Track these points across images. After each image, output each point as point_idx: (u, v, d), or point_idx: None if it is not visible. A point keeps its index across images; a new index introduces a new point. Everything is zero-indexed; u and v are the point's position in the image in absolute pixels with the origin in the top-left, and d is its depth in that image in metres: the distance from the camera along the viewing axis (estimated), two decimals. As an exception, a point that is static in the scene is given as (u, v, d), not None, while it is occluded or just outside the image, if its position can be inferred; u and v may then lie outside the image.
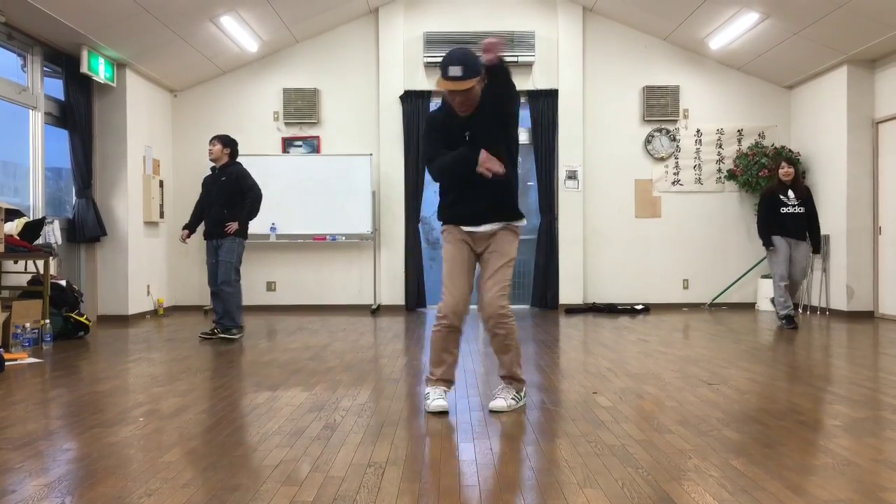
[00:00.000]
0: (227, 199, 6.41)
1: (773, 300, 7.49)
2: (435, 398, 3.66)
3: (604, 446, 3.02)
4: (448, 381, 3.77)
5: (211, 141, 6.54)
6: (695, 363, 5.13)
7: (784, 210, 7.25)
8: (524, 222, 3.83)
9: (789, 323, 7.19)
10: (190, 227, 6.66)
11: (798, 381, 4.45)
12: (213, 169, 6.61)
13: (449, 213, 3.77)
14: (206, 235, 6.54)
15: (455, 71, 3.45)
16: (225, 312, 6.42)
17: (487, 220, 3.70)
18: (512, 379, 3.79)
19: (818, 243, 7.35)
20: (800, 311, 8.99)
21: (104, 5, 6.60)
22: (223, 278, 6.38)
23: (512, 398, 3.74)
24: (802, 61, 8.55)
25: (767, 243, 7.33)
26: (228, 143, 6.52)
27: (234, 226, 6.36)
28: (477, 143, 3.59)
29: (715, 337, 6.62)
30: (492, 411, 3.67)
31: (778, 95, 9.53)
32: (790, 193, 7.26)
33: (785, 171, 7.32)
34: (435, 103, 9.42)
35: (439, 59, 9.00)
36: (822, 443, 3.07)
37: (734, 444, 3.04)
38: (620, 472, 2.68)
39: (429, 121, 3.80)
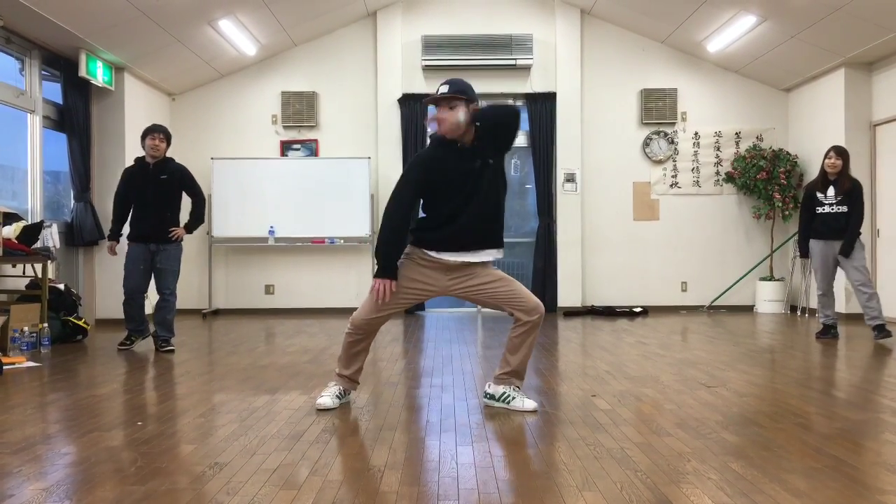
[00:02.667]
0: (170, 201, 5.95)
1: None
2: (326, 396, 3.80)
3: (602, 449, 3.02)
4: (352, 381, 3.90)
5: (157, 133, 5.86)
6: (693, 366, 5.13)
7: (820, 210, 6.38)
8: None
9: (824, 333, 6.48)
10: (116, 236, 6.05)
11: (797, 384, 4.45)
12: (140, 162, 5.94)
13: (442, 239, 3.67)
14: (138, 238, 5.89)
15: (443, 88, 3.65)
16: (166, 323, 5.96)
17: (485, 247, 3.73)
18: (518, 378, 3.88)
19: (847, 244, 6.22)
20: (798, 314, 8.99)
21: (102, 9, 6.60)
22: (170, 287, 5.96)
23: (514, 388, 3.86)
24: (800, 64, 8.57)
25: (803, 253, 6.55)
26: (170, 140, 6.01)
27: (181, 232, 5.95)
28: (488, 173, 3.66)
29: (713, 339, 6.62)
30: (487, 396, 3.87)
31: (776, 98, 9.54)
32: (830, 191, 6.33)
33: (832, 162, 6.31)
34: (432, 108, 9.41)
35: (437, 63, 9.11)
36: (821, 445, 3.07)
37: (733, 447, 3.04)
38: (619, 475, 2.68)
39: (417, 160, 3.74)
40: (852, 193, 6.25)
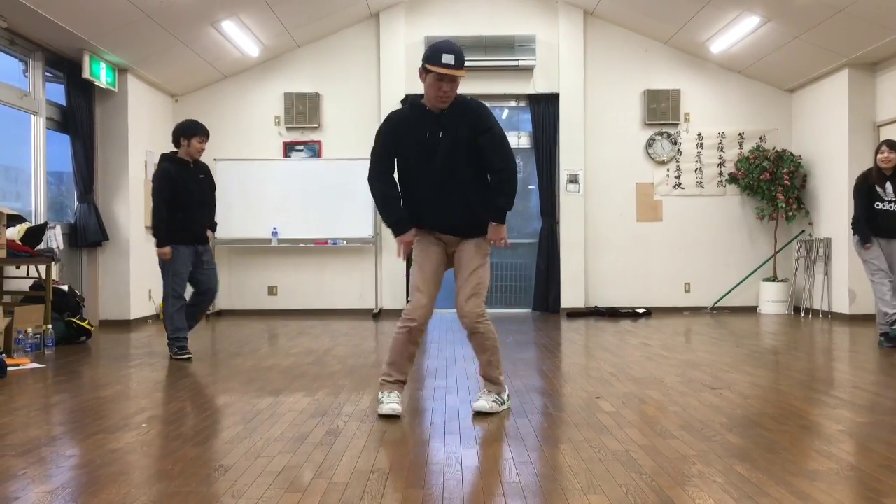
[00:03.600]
0: (211, 201, 5.84)
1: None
2: (389, 402, 3.67)
3: (607, 451, 3.01)
4: (403, 383, 3.80)
5: (204, 137, 5.68)
6: (697, 367, 5.12)
7: (879, 206, 6.00)
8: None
9: (889, 341, 5.97)
10: (170, 240, 5.54)
11: (801, 386, 4.44)
12: (179, 161, 5.64)
13: (416, 216, 3.76)
14: (188, 240, 5.61)
15: (448, 59, 3.55)
16: (197, 320, 5.85)
17: (457, 233, 3.76)
18: (489, 381, 3.82)
19: None
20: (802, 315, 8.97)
21: (106, 11, 6.61)
22: (217, 285, 5.88)
23: (494, 400, 3.78)
24: (803, 65, 8.55)
25: (866, 239, 6.05)
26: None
27: (212, 234, 5.82)
28: (446, 146, 3.62)
29: (717, 341, 6.61)
30: (476, 413, 3.72)
31: (779, 99, 9.53)
32: (888, 187, 5.97)
33: (885, 157, 5.95)
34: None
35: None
36: (826, 448, 3.06)
37: (738, 449, 3.03)
38: (624, 477, 2.67)
39: (387, 122, 3.76)
40: None
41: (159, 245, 5.54)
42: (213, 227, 5.88)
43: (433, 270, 3.78)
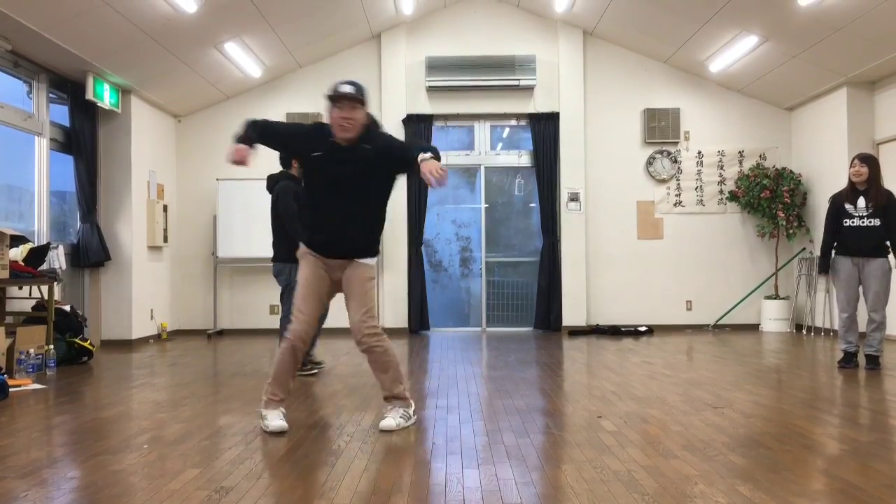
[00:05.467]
0: None
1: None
2: (276, 419, 3.78)
3: (609, 472, 3.01)
4: (281, 402, 3.90)
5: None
6: (699, 386, 5.11)
7: (848, 223, 5.81)
8: (375, 260, 3.97)
9: (846, 362, 5.88)
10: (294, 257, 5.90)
11: (803, 404, 4.43)
12: (297, 181, 5.68)
13: (308, 238, 3.92)
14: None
15: (346, 88, 3.72)
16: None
17: (344, 255, 3.86)
18: (395, 398, 3.89)
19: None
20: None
21: (109, 33, 6.67)
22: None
23: (401, 416, 3.84)
24: (802, 83, 8.61)
25: (822, 269, 6.01)
26: None
27: None
28: (354, 173, 3.74)
29: (719, 359, 6.60)
30: (382, 431, 3.76)
31: (778, 117, 9.57)
32: (860, 202, 5.79)
33: (856, 171, 5.78)
34: (437, 126, 9.48)
35: (441, 83, 9.18)
36: (829, 468, 3.05)
37: (740, 470, 3.02)
38: (626, 498, 2.67)
39: (312, 124, 4.01)
40: (887, 205, 5.72)
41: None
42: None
43: (316, 295, 3.87)
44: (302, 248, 3.93)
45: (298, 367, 3.92)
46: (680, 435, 3.65)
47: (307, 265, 3.88)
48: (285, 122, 3.95)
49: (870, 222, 5.74)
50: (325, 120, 3.83)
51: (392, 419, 3.81)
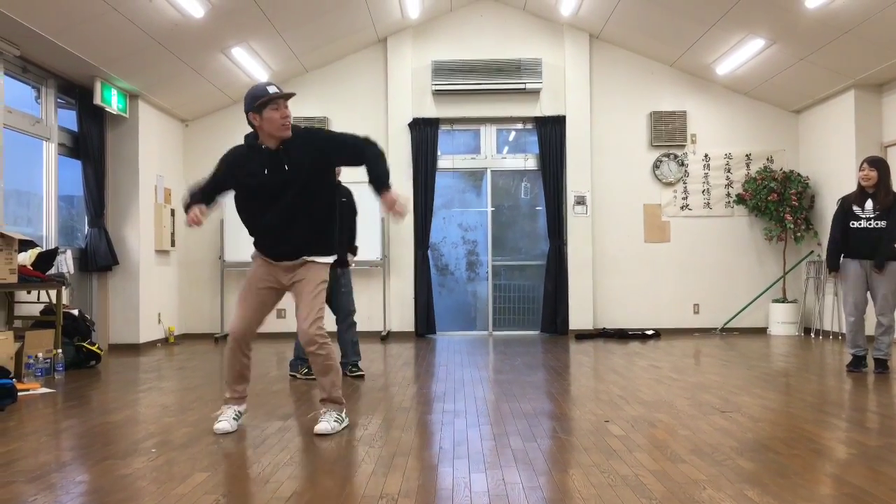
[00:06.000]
0: (352, 225, 6.03)
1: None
2: (222, 419, 3.92)
3: (617, 476, 3.00)
4: (239, 400, 4.03)
5: None
6: (707, 390, 5.10)
7: (854, 224, 5.83)
8: (332, 258, 3.97)
9: (855, 366, 5.88)
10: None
11: (812, 409, 4.41)
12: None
13: (257, 244, 3.97)
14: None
15: (274, 88, 3.79)
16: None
17: (290, 256, 3.87)
18: (331, 402, 3.92)
19: (881, 256, 5.71)
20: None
21: (117, 38, 6.70)
22: (349, 308, 5.94)
23: (335, 420, 3.88)
24: (809, 86, 8.58)
25: (832, 267, 6.01)
26: None
27: (352, 255, 6.00)
28: (295, 175, 3.76)
29: (727, 363, 6.58)
30: (317, 434, 3.78)
31: (786, 120, 9.55)
32: (867, 204, 5.79)
33: (865, 174, 5.80)
34: (443, 130, 9.49)
35: (447, 87, 9.18)
36: (838, 472, 3.04)
37: (748, 474, 3.01)
38: (634, 503, 2.66)
39: (226, 155, 4.02)
40: (893, 208, 5.69)
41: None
42: (353, 250, 6.01)
43: (258, 300, 3.94)
44: (253, 251, 3.99)
45: (244, 361, 3.99)
46: (688, 439, 3.64)
47: (255, 267, 3.97)
48: (212, 172, 4.04)
49: (877, 224, 5.74)
50: (260, 124, 3.81)
51: (327, 423, 3.83)
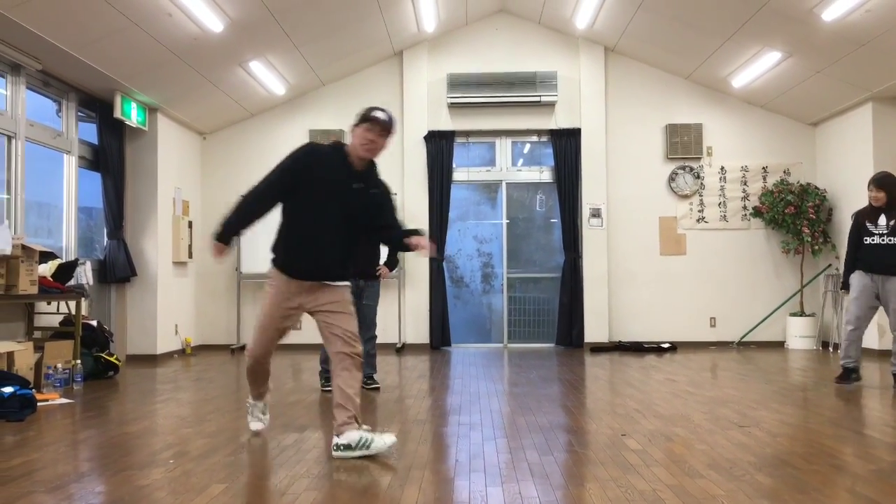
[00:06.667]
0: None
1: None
2: (253, 419, 4.19)
3: (634, 491, 2.98)
4: (260, 396, 4.19)
5: None
6: (724, 404, 5.06)
7: (868, 241, 5.79)
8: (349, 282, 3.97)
9: (843, 378, 5.86)
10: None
11: (831, 424, 4.37)
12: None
13: (284, 262, 3.86)
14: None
15: (383, 115, 3.72)
16: (368, 360, 5.76)
17: (321, 277, 3.82)
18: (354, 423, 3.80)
19: None
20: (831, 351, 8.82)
21: (137, 53, 6.79)
22: (369, 324, 5.91)
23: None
24: (826, 99, 8.55)
25: (845, 284, 6.00)
26: None
27: (385, 271, 5.92)
28: (362, 198, 3.76)
29: (744, 377, 6.53)
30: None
31: (803, 132, 9.51)
32: (881, 220, 5.77)
33: (874, 196, 5.81)
34: (459, 143, 9.52)
35: (463, 100, 9.21)
36: (858, 488, 3.01)
37: (767, 490, 2.99)
38: (651, 518, 2.64)
39: (305, 148, 3.91)
40: None
41: None
42: (391, 263, 6.02)
43: (279, 327, 3.95)
44: (271, 270, 3.89)
45: (265, 371, 4.06)
46: (705, 454, 3.62)
47: (275, 291, 3.88)
48: (276, 172, 3.92)
49: (890, 240, 5.69)
50: (348, 139, 3.79)
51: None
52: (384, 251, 5.93)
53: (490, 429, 4.30)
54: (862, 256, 5.84)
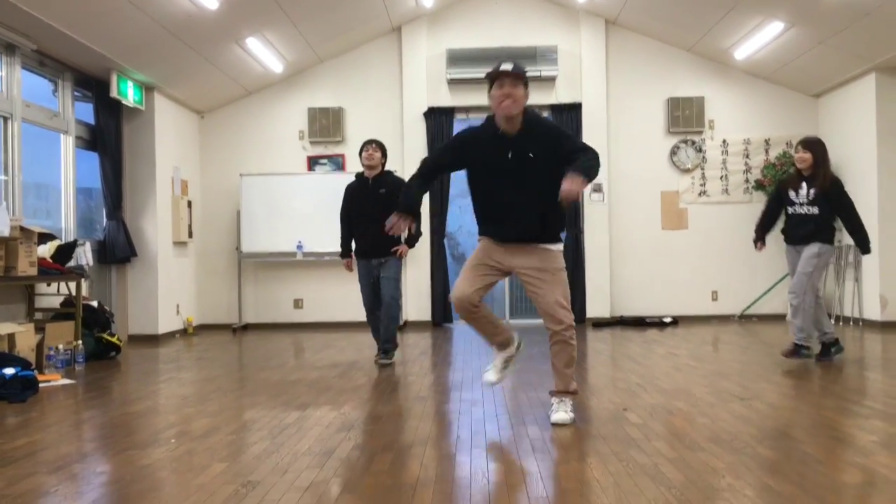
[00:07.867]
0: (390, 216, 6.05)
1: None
2: (489, 368, 4.06)
3: (635, 465, 2.98)
4: (505, 345, 4.03)
5: (371, 144, 5.85)
6: (726, 377, 5.06)
7: (790, 210, 5.64)
8: (559, 245, 3.87)
9: (794, 353, 5.58)
10: (347, 253, 5.98)
11: (832, 396, 4.37)
12: (359, 178, 5.93)
13: (485, 229, 3.95)
14: (361, 255, 5.91)
15: (507, 65, 3.60)
16: (387, 332, 5.95)
17: (518, 240, 3.82)
18: (568, 394, 3.85)
19: (862, 242, 5.54)
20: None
21: (132, 31, 6.72)
22: (394, 293, 5.91)
23: (571, 410, 3.83)
24: (829, 70, 8.46)
25: (757, 237, 5.90)
26: (385, 151, 5.92)
27: (404, 249, 5.88)
28: (520, 166, 3.69)
29: (746, 350, 6.53)
30: (554, 424, 3.72)
31: (805, 104, 9.43)
32: (802, 188, 5.54)
33: (799, 157, 5.55)
34: (459, 119, 9.44)
35: (462, 76, 9.12)
36: (859, 460, 3.01)
37: (768, 462, 2.99)
38: (653, 492, 2.65)
39: (460, 133, 3.99)
40: (830, 192, 5.44)
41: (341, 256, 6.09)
42: (408, 241, 5.95)
43: (477, 273, 3.92)
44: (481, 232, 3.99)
45: (480, 316, 3.94)
46: (706, 427, 3.62)
47: (480, 246, 3.98)
48: (444, 150, 4.12)
49: (808, 210, 5.50)
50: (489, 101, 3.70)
51: (564, 413, 3.75)
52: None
53: (492, 405, 4.30)
54: (785, 229, 5.74)
